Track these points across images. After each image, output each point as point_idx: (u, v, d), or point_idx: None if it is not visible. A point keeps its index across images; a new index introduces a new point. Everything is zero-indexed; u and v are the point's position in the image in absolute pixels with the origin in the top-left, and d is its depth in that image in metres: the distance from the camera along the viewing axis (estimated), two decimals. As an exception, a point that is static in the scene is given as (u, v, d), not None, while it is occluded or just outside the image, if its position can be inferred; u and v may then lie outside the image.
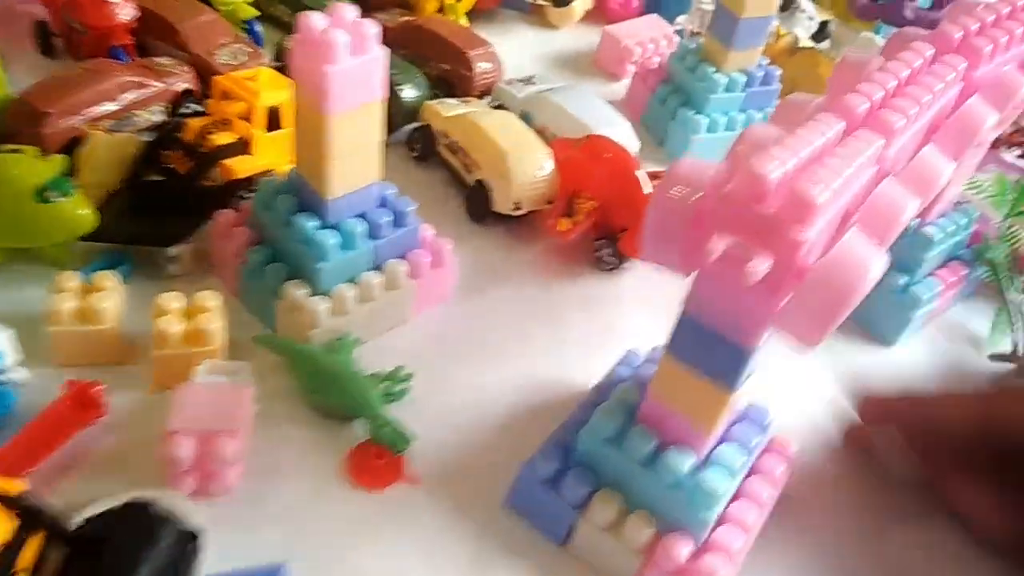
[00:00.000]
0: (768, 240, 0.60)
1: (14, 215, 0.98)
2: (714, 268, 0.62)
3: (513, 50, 1.60)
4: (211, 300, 0.95)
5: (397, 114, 1.30)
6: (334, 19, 0.86)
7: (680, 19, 1.64)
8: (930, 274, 1.13)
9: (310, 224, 0.96)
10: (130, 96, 1.21)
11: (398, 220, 1.01)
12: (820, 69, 1.43)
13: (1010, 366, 1.14)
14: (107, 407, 0.88)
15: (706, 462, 0.80)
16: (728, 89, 1.36)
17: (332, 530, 0.84)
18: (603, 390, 0.91)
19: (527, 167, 1.16)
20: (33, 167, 1.00)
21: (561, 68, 1.62)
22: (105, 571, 0.68)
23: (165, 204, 1.06)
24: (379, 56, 0.88)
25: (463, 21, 1.54)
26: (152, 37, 1.36)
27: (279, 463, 0.89)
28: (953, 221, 1.13)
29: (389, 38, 1.45)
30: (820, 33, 1.59)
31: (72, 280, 0.95)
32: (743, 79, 1.36)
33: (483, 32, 1.61)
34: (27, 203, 0.97)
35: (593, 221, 1.15)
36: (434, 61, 1.40)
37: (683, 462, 0.78)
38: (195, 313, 0.94)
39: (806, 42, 1.54)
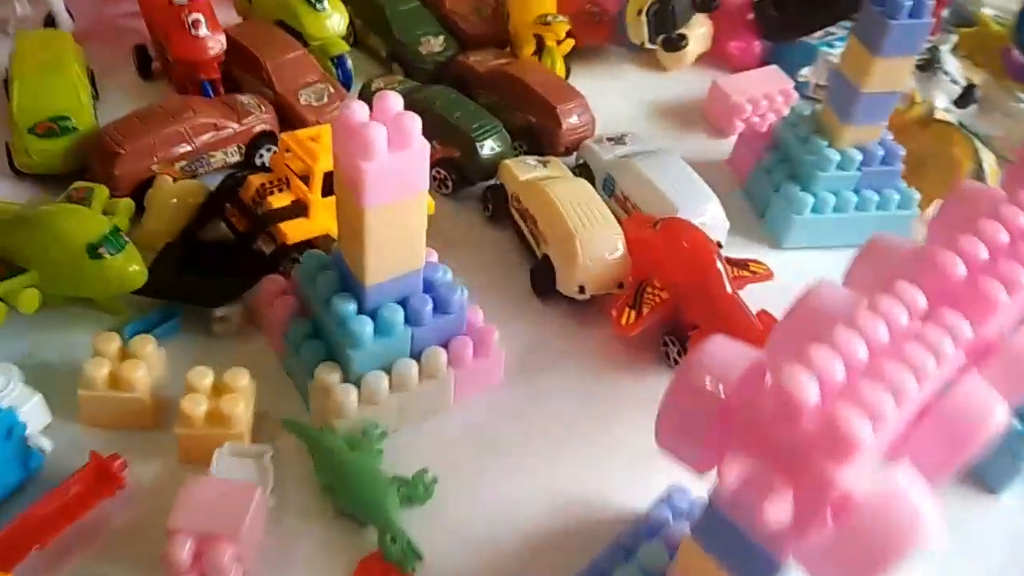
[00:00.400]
0: (795, 472, 0.49)
1: (66, 267, 0.98)
2: (728, 491, 0.51)
3: (615, 92, 1.51)
4: (240, 379, 0.92)
5: (475, 170, 1.23)
6: (376, 110, 0.80)
7: (804, 71, 1.48)
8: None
9: (347, 308, 0.90)
10: (206, 137, 1.20)
11: (442, 306, 0.95)
12: (954, 149, 1.23)
13: None
14: (127, 480, 0.86)
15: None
16: (841, 167, 1.20)
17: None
18: (638, 531, 0.82)
19: (595, 250, 1.06)
20: (87, 221, 1.00)
21: (665, 116, 1.49)
22: None
23: (218, 262, 1.05)
24: (421, 151, 0.81)
25: (560, 65, 1.43)
26: (240, 70, 1.34)
27: (288, 562, 0.84)
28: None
29: (478, 83, 1.39)
30: (964, 97, 1.39)
31: (111, 342, 0.94)
32: (859, 156, 1.20)
33: (586, 71, 1.52)
34: (78, 257, 0.97)
35: (662, 313, 1.05)
36: (521, 111, 1.31)
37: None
38: (223, 391, 0.91)
39: (944, 111, 1.35)
